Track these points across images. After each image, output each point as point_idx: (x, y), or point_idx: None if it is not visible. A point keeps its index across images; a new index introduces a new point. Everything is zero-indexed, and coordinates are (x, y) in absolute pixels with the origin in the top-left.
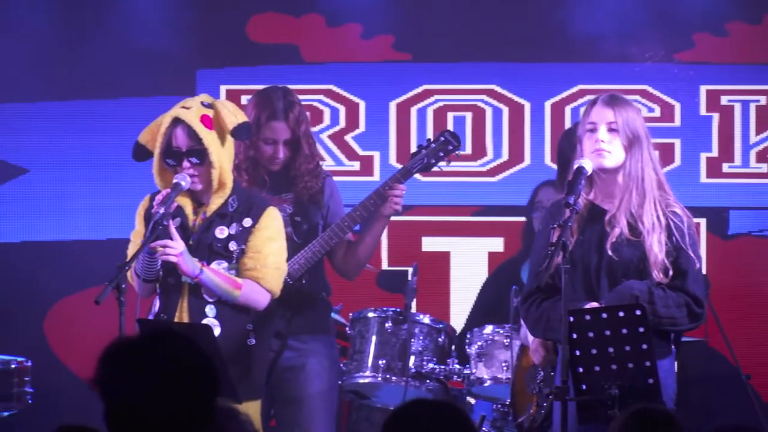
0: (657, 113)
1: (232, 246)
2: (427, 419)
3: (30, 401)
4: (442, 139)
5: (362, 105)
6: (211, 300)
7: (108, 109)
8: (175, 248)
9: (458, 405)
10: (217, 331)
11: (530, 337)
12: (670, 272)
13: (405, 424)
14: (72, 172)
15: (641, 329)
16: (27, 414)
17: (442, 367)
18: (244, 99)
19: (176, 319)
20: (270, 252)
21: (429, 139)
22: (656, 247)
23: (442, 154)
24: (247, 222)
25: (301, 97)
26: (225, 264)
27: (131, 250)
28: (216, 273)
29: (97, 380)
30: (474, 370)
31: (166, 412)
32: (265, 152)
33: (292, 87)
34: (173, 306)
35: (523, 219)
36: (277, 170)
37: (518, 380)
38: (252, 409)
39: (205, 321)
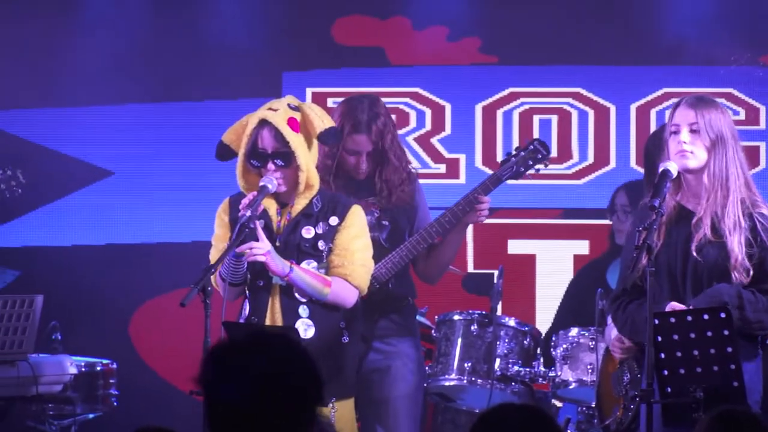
0: (742, 116)
1: (321, 245)
2: (514, 423)
3: (115, 403)
4: (531, 147)
5: (448, 108)
6: (303, 300)
7: (193, 111)
8: (262, 248)
9: (545, 409)
10: (311, 332)
11: (612, 336)
12: (751, 272)
13: (492, 428)
14: (157, 174)
15: (726, 332)
16: (112, 416)
17: (528, 369)
18: (330, 101)
19: (268, 322)
20: (356, 249)
21: (518, 147)
22: (737, 248)
23: (531, 163)
24: (334, 220)
25: (386, 99)
26: (314, 263)
27: (213, 254)
28: (305, 271)
29: (201, 381)
30: (559, 373)
31: (268, 414)
32: (349, 162)
33: (377, 90)
34: (263, 308)
35: (608, 222)
36: (361, 180)
37: (604, 382)
38: (346, 408)
39: (299, 321)
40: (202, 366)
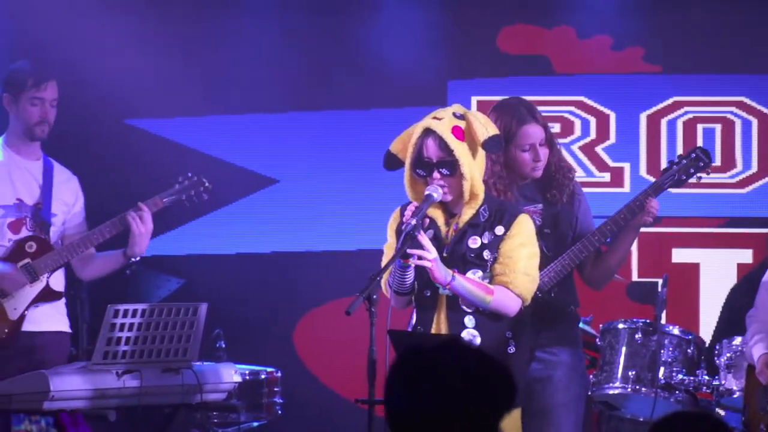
0: None
1: (486, 255)
2: None
3: (279, 412)
4: (693, 155)
5: (612, 116)
6: (469, 310)
7: (360, 119)
8: (429, 255)
9: (720, 418)
10: (477, 341)
11: (755, 356)
12: None
13: None
14: (322, 182)
15: None
16: (276, 424)
17: (691, 378)
18: None
19: (433, 331)
20: (520, 257)
21: (680, 155)
22: None
23: (692, 171)
24: (500, 230)
25: (551, 108)
26: (480, 273)
27: (384, 262)
28: (467, 279)
29: (387, 390)
30: (723, 382)
31: (456, 424)
32: (525, 161)
33: (542, 98)
34: (429, 319)
35: None
36: (531, 179)
37: (750, 399)
38: (512, 417)
39: (464, 332)
40: (388, 375)
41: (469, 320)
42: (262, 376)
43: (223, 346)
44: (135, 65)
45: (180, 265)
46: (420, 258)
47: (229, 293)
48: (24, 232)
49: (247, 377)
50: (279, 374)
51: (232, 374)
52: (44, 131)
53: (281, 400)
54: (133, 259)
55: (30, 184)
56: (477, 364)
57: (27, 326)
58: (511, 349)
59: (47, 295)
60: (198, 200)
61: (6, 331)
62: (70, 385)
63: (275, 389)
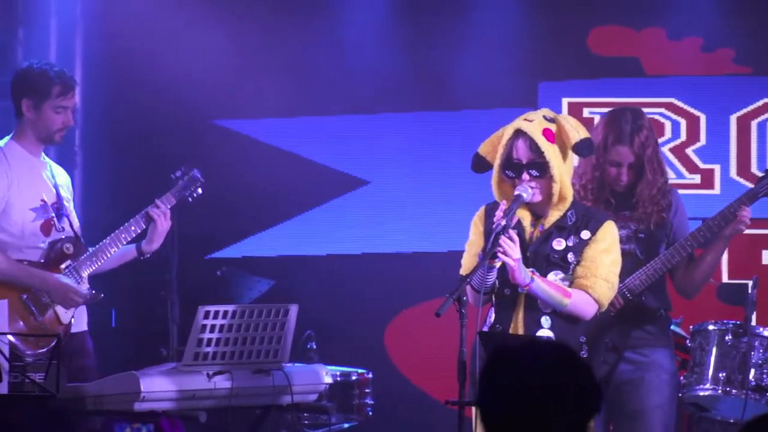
0: None
1: (570, 258)
2: None
3: (370, 413)
4: None
5: (703, 118)
6: (546, 311)
7: (450, 120)
8: (514, 254)
9: None
10: None
11: None
12: None
13: None
14: (413, 183)
15: None
16: (367, 426)
17: None
18: (586, 111)
19: (511, 331)
20: (602, 263)
21: None
22: None
23: None
24: (585, 234)
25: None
26: (561, 274)
27: (465, 260)
28: (545, 281)
29: (478, 393)
30: None
31: (543, 426)
32: (610, 173)
33: (632, 100)
34: (509, 318)
35: None
36: (621, 191)
37: None
38: None
39: (540, 332)
40: (480, 377)
41: (545, 320)
42: (353, 378)
43: (314, 347)
44: (224, 65)
45: (270, 266)
46: (505, 254)
47: (319, 294)
48: (54, 234)
49: (338, 378)
50: (370, 375)
51: (323, 375)
52: (62, 136)
53: (372, 402)
54: (145, 256)
55: (47, 184)
56: (564, 366)
57: (73, 328)
58: (584, 354)
59: (92, 295)
60: (196, 195)
61: (62, 335)
62: (160, 386)
63: (366, 390)
